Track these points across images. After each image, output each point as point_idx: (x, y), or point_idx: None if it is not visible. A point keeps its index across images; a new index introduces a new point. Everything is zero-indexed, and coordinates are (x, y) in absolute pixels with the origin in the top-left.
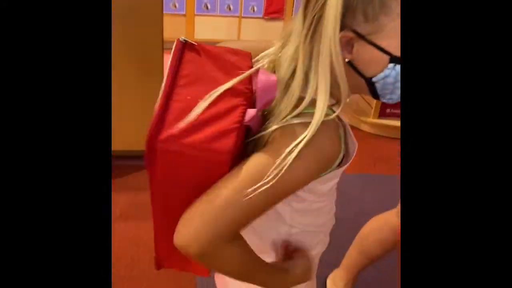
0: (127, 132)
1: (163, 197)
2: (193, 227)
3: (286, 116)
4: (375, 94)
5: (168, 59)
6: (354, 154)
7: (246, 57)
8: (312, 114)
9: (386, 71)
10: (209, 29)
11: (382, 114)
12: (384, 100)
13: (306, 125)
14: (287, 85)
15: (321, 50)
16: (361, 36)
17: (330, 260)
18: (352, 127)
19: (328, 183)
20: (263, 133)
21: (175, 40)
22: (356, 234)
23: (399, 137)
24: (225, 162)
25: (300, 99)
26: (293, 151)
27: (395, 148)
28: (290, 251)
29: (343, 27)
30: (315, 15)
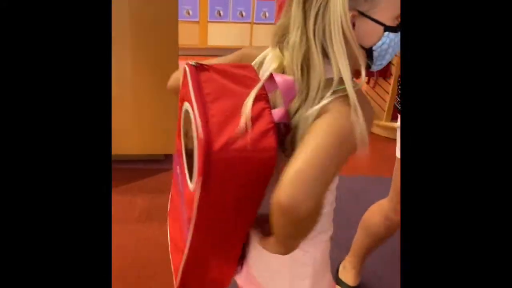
0: (144, 136)
1: (214, 206)
2: (303, 187)
3: (321, 98)
4: (371, 62)
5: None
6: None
7: (251, 68)
8: (340, 91)
9: (383, 39)
10: (221, 35)
11: (394, 117)
12: (375, 67)
13: (345, 98)
14: (305, 76)
15: (333, 32)
16: (362, 14)
17: (342, 257)
18: None
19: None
20: (301, 122)
21: (186, 65)
22: None
23: None
24: (273, 157)
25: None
26: (357, 108)
27: None
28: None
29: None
30: (320, 4)
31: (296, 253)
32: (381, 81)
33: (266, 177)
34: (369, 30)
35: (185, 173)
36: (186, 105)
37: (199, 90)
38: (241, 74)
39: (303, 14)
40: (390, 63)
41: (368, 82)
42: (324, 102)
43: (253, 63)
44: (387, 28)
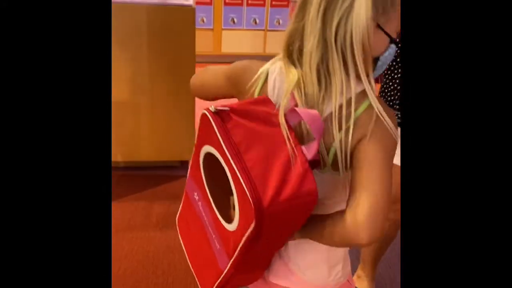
0: (160, 143)
1: (258, 246)
2: (380, 223)
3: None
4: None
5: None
6: None
7: (269, 101)
8: (360, 97)
9: (389, 50)
10: (235, 42)
11: None
12: (373, 75)
13: (370, 107)
14: (323, 82)
15: (354, 41)
16: (378, 26)
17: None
18: None
19: None
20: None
21: (205, 110)
22: None
23: None
24: (316, 199)
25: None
26: (385, 118)
27: None
28: None
29: None
30: (343, 13)
31: None
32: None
33: (307, 214)
34: (379, 41)
35: (209, 201)
36: (208, 148)
37: (229, 141)
38: (263, 111)
39: (323, 20)
40: None
41: None
42: (352, 119)
43: (255, 77)
44: (392, 40)
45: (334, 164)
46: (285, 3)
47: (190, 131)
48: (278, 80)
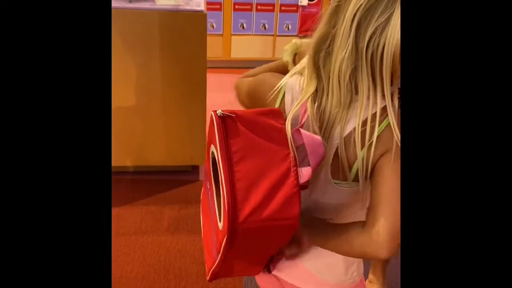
0: (172, 147)
1: (239, 252)
2: (398, 239)
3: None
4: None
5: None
6: None
7: (279, 114)
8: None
9: None
10: (244, 47)
11: None
12: None
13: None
14: (351, 90)
15: (385, 55)
16: None
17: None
18: None
19: None
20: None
21: (213, 112)
22: None
23: None
24: (296, 224)
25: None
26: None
27: None
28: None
29: None
30: (378, 26)
31: None
32: None
33: (286, 236)
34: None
35: (213, 194)
36: (212, 148)
37: (225, 149)
38: (269, 124)
39: (356, 30)
40: None
41: None
42: (375, 134)
43: (274, 92)
44: None
45: (355, 176)
46: (294, 8)
47: (201, 136)
48: (297, 91)
